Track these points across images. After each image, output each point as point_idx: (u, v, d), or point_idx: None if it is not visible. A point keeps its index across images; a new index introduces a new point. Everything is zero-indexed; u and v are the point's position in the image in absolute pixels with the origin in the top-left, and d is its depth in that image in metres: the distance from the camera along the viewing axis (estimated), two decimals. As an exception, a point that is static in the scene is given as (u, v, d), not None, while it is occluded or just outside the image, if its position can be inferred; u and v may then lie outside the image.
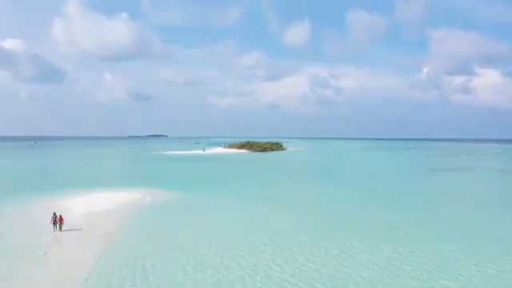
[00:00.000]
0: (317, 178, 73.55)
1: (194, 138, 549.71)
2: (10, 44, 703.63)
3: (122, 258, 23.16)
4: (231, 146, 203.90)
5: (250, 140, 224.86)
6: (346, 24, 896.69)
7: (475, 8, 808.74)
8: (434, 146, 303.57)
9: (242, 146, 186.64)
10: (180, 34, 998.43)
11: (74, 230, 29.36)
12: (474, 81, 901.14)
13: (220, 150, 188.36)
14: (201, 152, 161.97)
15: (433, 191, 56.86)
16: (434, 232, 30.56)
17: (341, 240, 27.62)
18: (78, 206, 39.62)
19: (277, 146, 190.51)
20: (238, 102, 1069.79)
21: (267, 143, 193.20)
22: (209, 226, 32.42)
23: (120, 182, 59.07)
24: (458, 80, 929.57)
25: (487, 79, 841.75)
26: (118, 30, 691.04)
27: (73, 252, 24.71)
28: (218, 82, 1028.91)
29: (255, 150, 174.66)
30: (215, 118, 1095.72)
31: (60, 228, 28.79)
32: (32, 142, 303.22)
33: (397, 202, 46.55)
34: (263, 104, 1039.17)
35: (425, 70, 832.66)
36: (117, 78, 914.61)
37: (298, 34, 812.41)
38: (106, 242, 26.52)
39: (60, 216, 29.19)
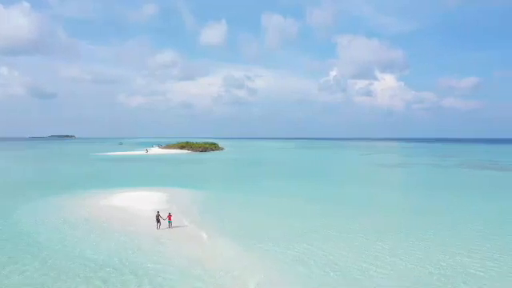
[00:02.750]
0: (304, 175, 79.77)
1: (106, 139, 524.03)
2: None
3: (260, 249, 27.35)
4: (169, 146, 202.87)
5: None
6: (262, 26, 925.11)
7: (376, 18, 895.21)
8: (352, 144, 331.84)
9: (181, 147, 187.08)
10: (89, 28, 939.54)
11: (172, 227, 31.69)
12: (374, 84, 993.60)
13: (159, 150, 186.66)
14: (144, 153, 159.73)
15: (406, 182, 67.64)
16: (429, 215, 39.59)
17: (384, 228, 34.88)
18: (129, 204, 41.40)
19: (215, 147, 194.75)
20: (150, 102, 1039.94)
21: (206, 144, 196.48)
22: (271, 217, 37.84)
23: (122, 183, 59.72)
24: (361, 83, 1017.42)
25: (386, 83, 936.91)
26: (18, 21, 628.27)
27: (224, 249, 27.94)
28: (129, 81, 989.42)
29: (196, 150, 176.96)
30: (126, 118, 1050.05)
31: (169, 225, 31.00)
32: None
33: (388, 192, 55.74)
34: (176, 103, 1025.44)
35: (332, 74, 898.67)
36: (15, 73, 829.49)
37: (214, 34, 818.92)
38: (216, 237, 30.18)
39: (169, 214, 31.42)
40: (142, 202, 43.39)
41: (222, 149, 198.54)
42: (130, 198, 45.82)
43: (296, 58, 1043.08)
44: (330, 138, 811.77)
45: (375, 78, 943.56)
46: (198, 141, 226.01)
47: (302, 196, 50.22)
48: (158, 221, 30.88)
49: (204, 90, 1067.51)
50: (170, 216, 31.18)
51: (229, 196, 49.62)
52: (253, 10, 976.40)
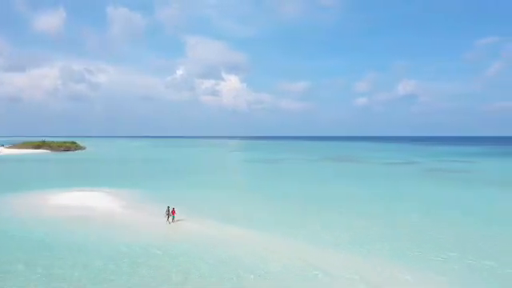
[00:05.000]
0: (205, 172, 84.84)
1: None
2: None
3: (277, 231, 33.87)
4: (18, 146, 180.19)
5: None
6: (107, 19, 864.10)
7: (221, 22, 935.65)
8: (207, 143, 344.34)
9: (37, 146, 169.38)
10: None
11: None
12: (221, 84, 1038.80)
13: (12, 150, 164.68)
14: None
15: (299, 174, 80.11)
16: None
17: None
18: (88, 203, 42.05)
19: (77, 146, 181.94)
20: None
21: (66, 143, 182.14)
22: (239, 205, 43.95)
23: (38, 185, 56.28)
24: (208, 83, 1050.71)
25: (231, 84, 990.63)
26: None
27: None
28: None
29: (58, 150, 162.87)
30: None
31: (173, 220, 33.29)
32: None
33: (269, 183, 66.71)
34: (1, 97, 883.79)
35: (180, 72, 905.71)
36: None
37: (50, 22, 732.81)
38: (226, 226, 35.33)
39: (173, 209, 33.61)
40: (94, 201, 43.41)
41: (83, 148, 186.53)
42: (75, 198, 44.91)
43: (143, 54, 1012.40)
44: (180, 137, 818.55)
45: (221, 79, 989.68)
46: (33, 140, 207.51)
47: (226, 188, 57.22)
48: (168, 215, 33.36)
49: (37, 82, 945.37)
50: (173, 211, 33.77)
51: (168, 191, 52.03)
52: (96, 1, 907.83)
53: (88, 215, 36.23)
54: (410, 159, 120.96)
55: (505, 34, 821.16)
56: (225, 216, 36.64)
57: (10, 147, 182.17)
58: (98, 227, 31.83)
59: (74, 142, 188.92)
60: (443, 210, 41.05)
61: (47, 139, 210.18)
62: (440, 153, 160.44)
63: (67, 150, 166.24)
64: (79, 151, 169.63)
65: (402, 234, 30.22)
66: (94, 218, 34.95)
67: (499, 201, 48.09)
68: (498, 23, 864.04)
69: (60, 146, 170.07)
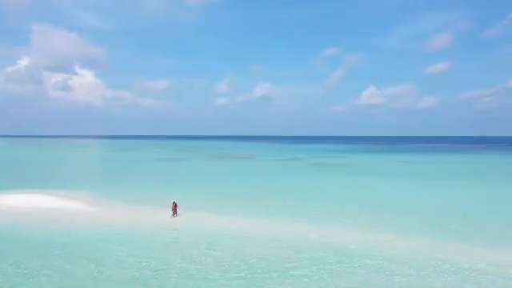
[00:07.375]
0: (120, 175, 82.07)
1: None
2: None
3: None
4: None
5: None
6: None
7: (76, 11, 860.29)
8: (66, 142, 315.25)
9: None
10: None
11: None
12: (73, 79, 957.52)
13: None
14: None
15: (195, 172, 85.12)
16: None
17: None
18: (45, 205, 41.07)
19: None
20: None
21: None
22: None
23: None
24: (59, 77, 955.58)
25: (85, 79, 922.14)
26: None
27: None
28: None
29: None
30: None
31: (175, 214, 35.41)
32: None
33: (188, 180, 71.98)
34: None
35: (24, 63, 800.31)
36: None
37: None
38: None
39: (176, 204, 35.56)
40: (47, 203, 41.95)
41: None
42: (25, 200, 43.07)
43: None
44: (26, 136, 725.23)
45: (74, 73, 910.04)
46: None
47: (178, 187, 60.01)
48: (173, 210, 35.56)
49: None
50: (175, 206, 35.80)
51: (114, 191, 51.74)
52: None
53: (64, 215, 36.03)
54: (294, 156, 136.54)
55: (346, 46, 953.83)
56: (207, 208, 40.01)
57: None
58: (93, 227, 31.85)
59: None
60: (342, 192, 53.13)
61: None
62: (311, 150, 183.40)
63: None
64: None
65: (324, 210, 40.02)
66: (75, 219, 34.55)
67: (380, 185, 61.90)
68: (341, 36, 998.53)
69: None
